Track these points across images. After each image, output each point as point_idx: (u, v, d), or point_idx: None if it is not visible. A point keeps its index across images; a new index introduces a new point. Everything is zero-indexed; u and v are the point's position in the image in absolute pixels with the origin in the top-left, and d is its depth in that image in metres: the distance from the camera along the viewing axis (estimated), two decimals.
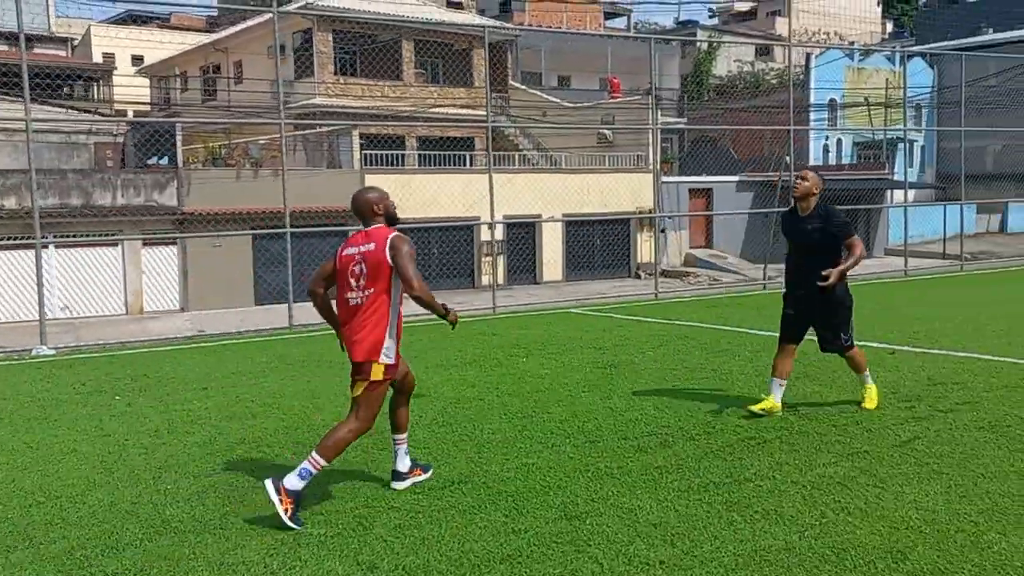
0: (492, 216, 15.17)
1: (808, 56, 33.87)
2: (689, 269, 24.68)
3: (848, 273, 6.07)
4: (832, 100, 32.90)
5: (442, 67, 29.39)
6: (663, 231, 23.97)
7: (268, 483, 4.41)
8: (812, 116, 32.39)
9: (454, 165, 24.16)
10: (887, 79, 33.79)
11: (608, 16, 44.98)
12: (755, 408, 6.32)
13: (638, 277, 25.30)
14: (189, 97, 33.23)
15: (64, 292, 18.74)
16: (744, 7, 56.45)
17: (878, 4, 57.01)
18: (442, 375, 8.44)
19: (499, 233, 24.12)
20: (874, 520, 4.29)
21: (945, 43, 34.09)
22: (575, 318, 12.86)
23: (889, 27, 60.23)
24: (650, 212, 23.88)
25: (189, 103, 32.36)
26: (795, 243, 6.30)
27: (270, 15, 27.44)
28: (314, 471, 4.51)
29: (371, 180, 22.46)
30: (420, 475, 5.08)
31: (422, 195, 22.65)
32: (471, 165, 25.10)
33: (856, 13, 54.09)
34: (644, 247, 26.01)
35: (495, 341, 10.61)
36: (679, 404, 6.81)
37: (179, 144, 20.55)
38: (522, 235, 24.46)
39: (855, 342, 6.47)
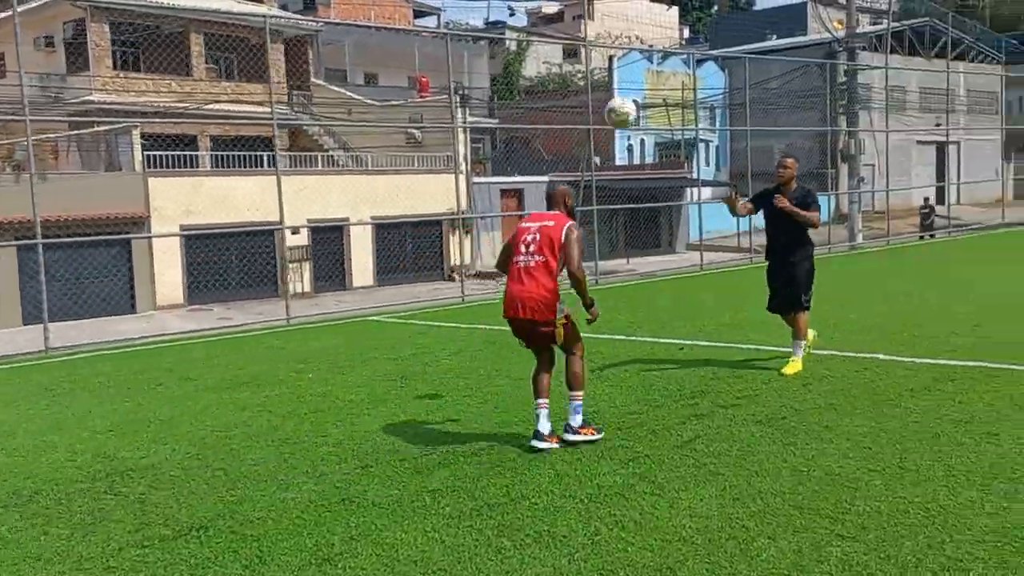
0: (282, 220, 14.28)
1: (611, 59, 34.94)
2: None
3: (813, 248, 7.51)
4: (634, 100, 34.14)
5: (237, 62, 27.82)
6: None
7: (568, 437, 5.47)
8: None
9: (252, 166, 22.83)
10: (683, 81, 35.48)
11: (418, 15, 44.49)
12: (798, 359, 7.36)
13: (451, 279, 25.00)
14: None
15: None
16: (552, 9, 57.75)
17: (668, 8, 59.98)
18: (211, 398, 7.62)
19: (303, 238, 23.04)
20: (648, 533, 4.05)
21: (735, 48, 36.20)
22: (375, 327, 12.28)
23: (686, 33, 63.67)
24: (461, 213, 23.60)
25: None
26: (774, 219, 7.40)
27: (36, 3, 24.97)
28: (581, 402, 5.54)
29: (156, 183, 20.78)
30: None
31: (215, 198, 21.22)
32: (270, 166, 23.81)
33: (655, 19, 56.73)
34: (456, 249, 25.75)
35: (281, 356, 9.85)
36: (468, 416, 6.43)
37: None
38: (329, 239, 23.49)
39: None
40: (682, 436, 5.61)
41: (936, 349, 7.86)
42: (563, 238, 5.35)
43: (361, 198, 23.50)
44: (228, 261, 21.87)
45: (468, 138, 25.90)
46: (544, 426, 5.43)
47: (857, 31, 26.21)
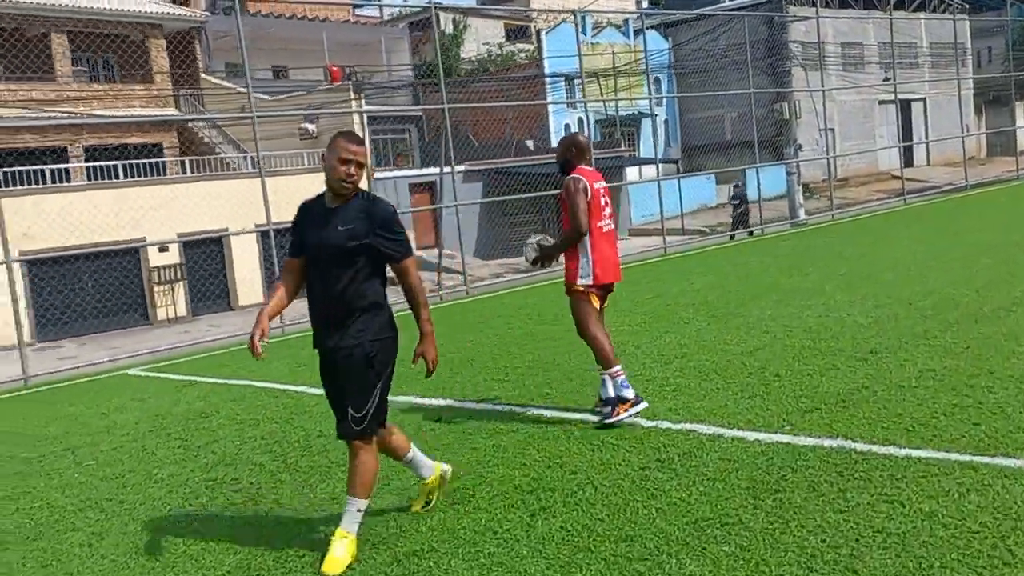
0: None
1: (538, 33, 32.09)
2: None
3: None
4: (568, 76, 31.27)
5: (115, 61, 24.94)
6: None
7: (613, 419, 4.87)
8: (549, 94, 30.59)
9: (135, 176, 19.97)
10: (614, 51, 32.67)
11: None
12: None
13: None
14: None
15: None
16: None
17: None
18: None
19: (174, 255, 20.20)
20: None
21: (678, 11, 33.30)
22: (125, 386, 9.25)
23: (645, 3, 60.59)
24: None
25: None
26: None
27: None
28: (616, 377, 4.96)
29: None
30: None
31: (66, 218, 18.36)
32: (140, 175, 20.95)
33: None
34: None
35: None
36: None
37: None
38: (207, 254, 20.64)
39: None
40: None
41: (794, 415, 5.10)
42: None
43: (245, 205, 20.65)
44: (83, 289, 19.04)
45: (366, 128, 23.03)
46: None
47: None
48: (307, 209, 3.70)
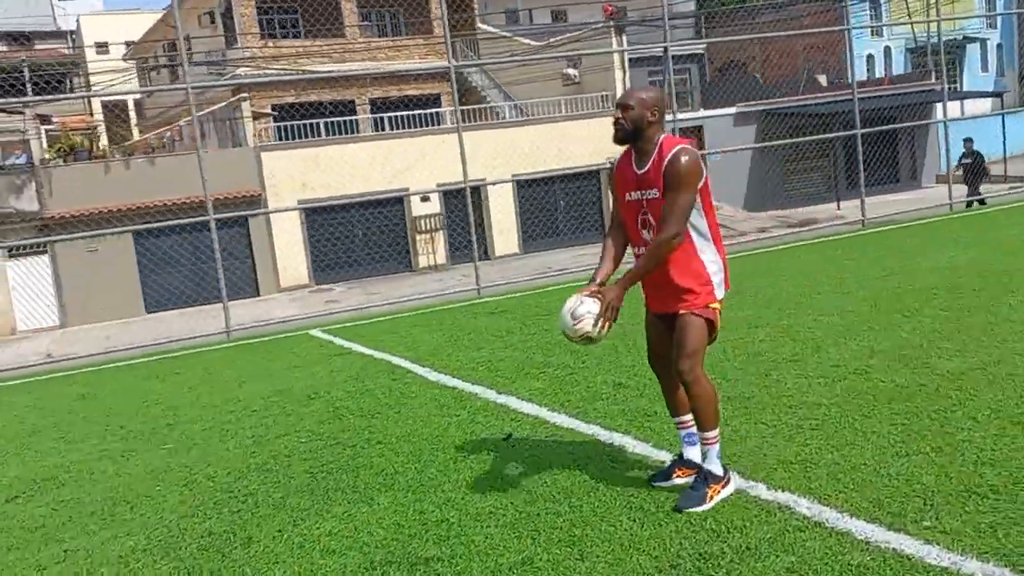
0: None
1: None
2: None
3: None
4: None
5: (400, 15, 26.04)
6: None
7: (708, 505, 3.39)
8: (853, 16, 26.94)
9: (418, 126, 20.87)
10: None
11: None
12: None
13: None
14: (158, 79, 31.25)
15: None
16: None
17: None
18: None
19: (435, 205, 20.78)
20: None
21: None
22: (305, 344, 9.15)
23: None
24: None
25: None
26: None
27: None
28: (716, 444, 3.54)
29: (270, 157, 19.56)
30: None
31: (339, 169, 19.59)
32: (429, 124, 21.71)
33: None
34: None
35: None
36: None
37: (43, 140, 18.27)
38: (464, 204, 20.91)
39: None
40: None
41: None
42: None
43: (506, 154, 20.63)
44: (353, 236, 20.28)
45: (626, 69, 21.83)
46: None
47: None
48: None
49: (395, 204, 20.28)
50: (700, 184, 3.41)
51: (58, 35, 41.11)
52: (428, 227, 20.65)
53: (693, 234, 3.45)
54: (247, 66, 23.01)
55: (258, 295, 19.60)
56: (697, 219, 3.45)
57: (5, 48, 38.37)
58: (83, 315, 18.08)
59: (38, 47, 39.40)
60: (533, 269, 17.00)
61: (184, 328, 13.33)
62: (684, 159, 3.37)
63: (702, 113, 23.04)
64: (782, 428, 4.22)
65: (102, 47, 38.55)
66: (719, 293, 3.50)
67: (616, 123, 3.48)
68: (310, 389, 6.49)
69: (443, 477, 4.14)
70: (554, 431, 4.68)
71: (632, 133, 3.46)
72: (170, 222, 12.63)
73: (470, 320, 8.97)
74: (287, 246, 19.80)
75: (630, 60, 22.20)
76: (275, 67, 23.38)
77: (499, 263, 20.24)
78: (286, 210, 18.97)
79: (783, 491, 3.47)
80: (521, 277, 12.68)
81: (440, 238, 20.73)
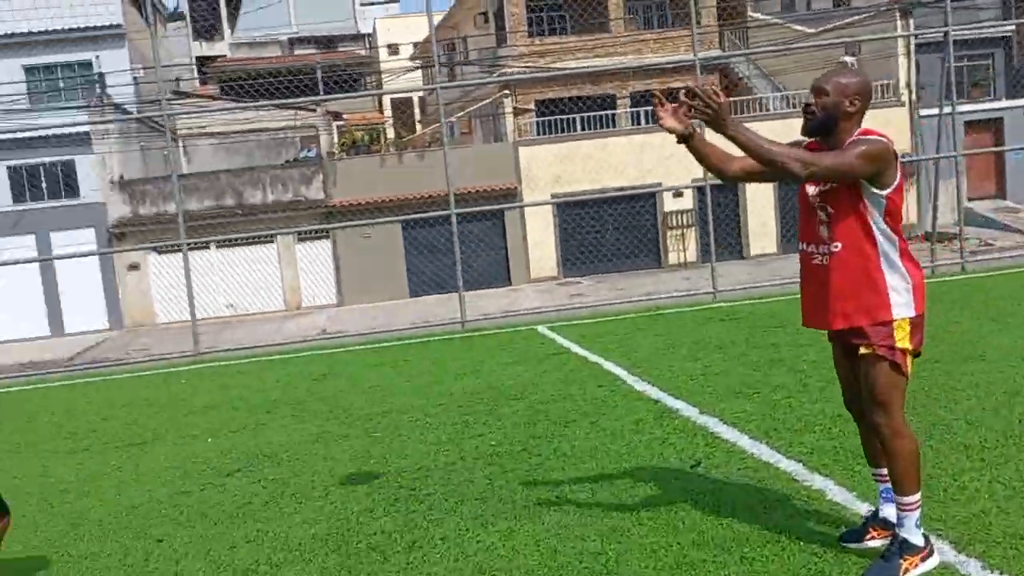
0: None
1: None
2: (948, 230, 18.19)
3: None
4: None
5: (667, 7, 25.55)
6: None
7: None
8: None
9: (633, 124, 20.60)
10: None
11: None
12: None
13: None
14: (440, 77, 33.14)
15: (229, 291, 19.43)
16: None
17: None
18: (120, 457, 6.13)
19: (688, 201, 20.19)
20: None
21: None
22: (529, 340, 9.08)
23: None
24: (903, 156, 18.08)
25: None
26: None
27: None
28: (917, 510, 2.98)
29: (527, 151, 20.04)
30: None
31: (592, 163, 19.69)
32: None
33: None
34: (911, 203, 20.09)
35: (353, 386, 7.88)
36: None
37: (334, 135, 20.09)
38: (721, 201, 20.11)
39: None
40: None
41: None
42: None
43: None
44: (603, 231, 20.29)
45: (911, 55, 19.71)
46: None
47: None
48: None
49: (647, 199, 20.04)
50: (888, 177, 2.86)
51: (357, 38, 45.26)
52: (679, 223, 20.16)
53: (879, 238, 2.90)
54: (512, 66, 23.79)
55: (510, 284, 20.28)
56: (877, 218, 2.90)
57: (313, 51, 43.13)
58: (357, 295, 19.79)
59: (340, 49, 43.79)
60: (790, 272, 15.98)
61: (438, 314, 14.11)
62: (877, 138, 2.86)
63: (1004, 104, 20.26)
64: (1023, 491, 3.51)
65: (392, 48, 41.92)
66: (900, 312, 2.90)
67: (806, 110, 3.00)
68: (517, 388, 6.52)
69: (615, 502, 3.92)
70: (749, 463, 4.27)
71: (824, 123, 2.94)
72: (421, 214, 13.30)
73: (698, 326, 8.56)
74: (539, 238, 20.27)
75: (917, 46, 20.05)
76: (540, 64, 23.94)
77: (754, 263, 19.29)
78: (531, 204, 19.37)
79: (1002, 573, 2.87)
80: (768, 280, 11.90)
81: (692, 235, 20.14)
